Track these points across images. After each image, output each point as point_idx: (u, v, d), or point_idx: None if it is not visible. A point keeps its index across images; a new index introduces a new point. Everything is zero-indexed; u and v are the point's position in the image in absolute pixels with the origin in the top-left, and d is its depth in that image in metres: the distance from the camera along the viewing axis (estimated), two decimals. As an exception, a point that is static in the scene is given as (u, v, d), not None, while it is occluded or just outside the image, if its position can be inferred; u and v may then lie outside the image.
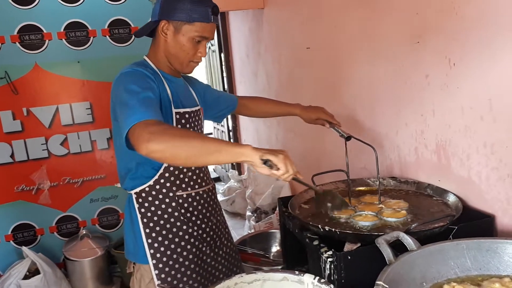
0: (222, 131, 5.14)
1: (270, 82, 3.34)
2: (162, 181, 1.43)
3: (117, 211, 3.14)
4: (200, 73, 5.88)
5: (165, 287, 1.03)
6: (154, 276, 1.42)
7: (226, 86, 4.65)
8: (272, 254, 2.28)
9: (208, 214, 1.55)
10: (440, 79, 1.43)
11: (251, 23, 3.64)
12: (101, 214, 3.10)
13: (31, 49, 2.82)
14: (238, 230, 3.75)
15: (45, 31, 2.83)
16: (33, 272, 2.72)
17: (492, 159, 1.25)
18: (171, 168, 1.44)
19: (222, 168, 5.28)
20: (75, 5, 2.86)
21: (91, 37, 2.93)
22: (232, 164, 4.87)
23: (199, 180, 1.52)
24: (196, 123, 1.50)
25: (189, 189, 1.48)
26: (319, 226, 1.23)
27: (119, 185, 1.63)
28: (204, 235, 1.53)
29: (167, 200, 1.45)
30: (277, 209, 2.90)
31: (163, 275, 1.42)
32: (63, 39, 2.88)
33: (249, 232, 3.00)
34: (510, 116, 1.17)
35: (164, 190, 1.44)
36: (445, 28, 1.37)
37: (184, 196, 1.47)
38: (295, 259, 1.63)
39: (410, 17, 1.54)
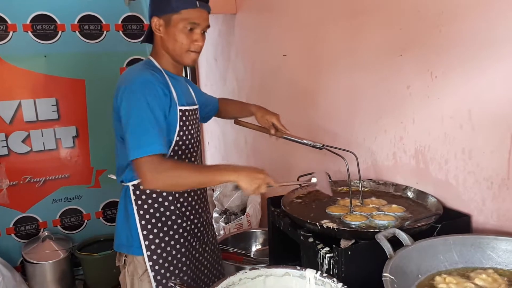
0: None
1: (241, 86, 3.39)
2: None
3: (80, 211, 3.04)
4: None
5: (176, 282, 1.05)
6: (148, 267, 1.45)
7: (190, 88, 4.63)
8: (252, 253, 2.33)
9: (200, 210, 1.61)
10: (421, 90, 1.55)
11: (221, 26, 3.68)
12: (64, 215, 3.00)
13: (-7, 40, 2.68)
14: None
15: (9, 22, 2.71)
16: (-11, 276, 2.56)
17: (469, 164, 1.39)
18: None
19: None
20: (44, -3, 2.76)
21: (60, 32, 2.84)
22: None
23: None
24: (194, 122, 1.55)
25: None
26: (317, 223, 1.30)
27: (113, 176, 1.62)
28: (196, 230, 1.59)
29: (164, 193, 1.49)
30: (247, 210, 2.95)
31: (156, 267, 1.46)
32: (29, 32, 2.76)
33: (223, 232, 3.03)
34: (488, 125, 1.31)
35: None
36: (428, 43, 1.49)
37: (181, 191, 1.50)
38: (281, 257, 1.69)
39: (393, 31, 1.66)
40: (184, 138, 1.50)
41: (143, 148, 1.29)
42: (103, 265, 2.79)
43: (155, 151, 1.30)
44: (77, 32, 2.88)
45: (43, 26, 2.79)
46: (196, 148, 1.59)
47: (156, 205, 1.49)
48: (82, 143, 2.99)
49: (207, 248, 1.67)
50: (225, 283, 1.15)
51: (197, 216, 1.59)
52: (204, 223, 1.64)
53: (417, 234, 1.23)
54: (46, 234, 2.84)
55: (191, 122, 1.52)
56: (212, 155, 4.46)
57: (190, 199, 1.56)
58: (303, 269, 1.19)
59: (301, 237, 1.39)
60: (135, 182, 1.48)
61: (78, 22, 2.87)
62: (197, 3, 1.42)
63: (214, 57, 3.95)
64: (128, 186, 1.50)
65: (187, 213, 1.55)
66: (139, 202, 1.48)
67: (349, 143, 2.00)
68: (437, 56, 1.47)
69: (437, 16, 1.44)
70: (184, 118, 1.48)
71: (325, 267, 1.26)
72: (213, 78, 4.06)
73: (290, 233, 1.48)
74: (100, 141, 3.00)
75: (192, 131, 1.54)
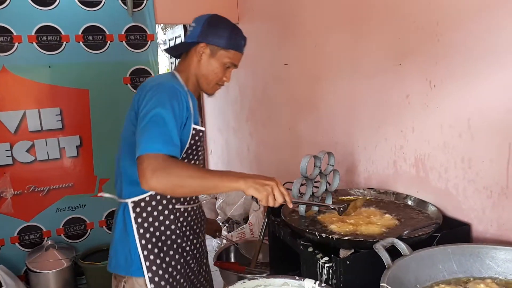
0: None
1: (243, 94, 3.41)
2: None
3: (84, 220, 3.05)
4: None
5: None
6: None
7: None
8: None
9: (197, 231, 1.59)
10: (420, 99, 1.56)
11: (223, 36, 3.71)
12: (67, 224, 3.00)
13: (-2, 51, 2.72)
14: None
15: (15, 33, 2.75)
16: (-7, 285, 2.57)
17: (469, 172, 1.39)
18: None
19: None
20: (48, 8, 2.81)
21: (64, 42, 2.87)
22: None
23: (194, 196, 1.56)
24: (201, 143, 1.53)
25: (186, 203, 1.51)
26: (316, 233, 1.30)
27: (105, 194, 1.57)
28: (195, 251, 1.56)
29: (166, 212, 1.46)
30: (250, 218, 2.95)
31: None
32: (34, 43, 2.80)
33: (222, 242, 3.03)
34: (487, 134, 1.31)
35: (164, 202, 1.45)
36: (426, 53, 1.50)
37: (182, 210, 1.50)
38: (281, 267, 1.69)
39: (392, 41, 1.67)
40: (191, 157, 1.47)
41: (155, 145, 1.22)
42: (106, 274, 2.77)
43: (165, 151, 1.23)
44: (81, 42, 2.91)
45: (48, 37, 2.83)
46: None
47: (156, 224, 1.44)
48: (85, 152, 3.01)
49: (201, 270, 1.63)
50: (223, 293, 1.16)
51: (195, 236, 1.56)
52: (202, 243, 1.62)
53: (416, 244, 1.23)
54: (49, 243, 2.84)
55: (199, 143, 1.50)
56: (215, 163, 4.47)
57: (189, 219, 1.53)
58: (302, 279, 1.18)
59: (301, 247, 1.39)
60: (135, 198, 1.43)
61: (82, 33, 2.90)
62: (243, 48, 1.52)
63: (217, 66, 3.98)
64: (127, 203, 1.45)
65: (187, 233, 1.52)
66: (139, 220, 1.43)
67: (350, 151, 2.01)
68: (435, 65, 1.47)
69: (434, 26, 1.45)
70: (196, 138, 1.46)
71: (324, 276, 1.26)
72: (216, 86, 4.09)
73: (290, 243, 1.49)
74: (104, 150, 3.02)
75: (199, 153, 1.52)
